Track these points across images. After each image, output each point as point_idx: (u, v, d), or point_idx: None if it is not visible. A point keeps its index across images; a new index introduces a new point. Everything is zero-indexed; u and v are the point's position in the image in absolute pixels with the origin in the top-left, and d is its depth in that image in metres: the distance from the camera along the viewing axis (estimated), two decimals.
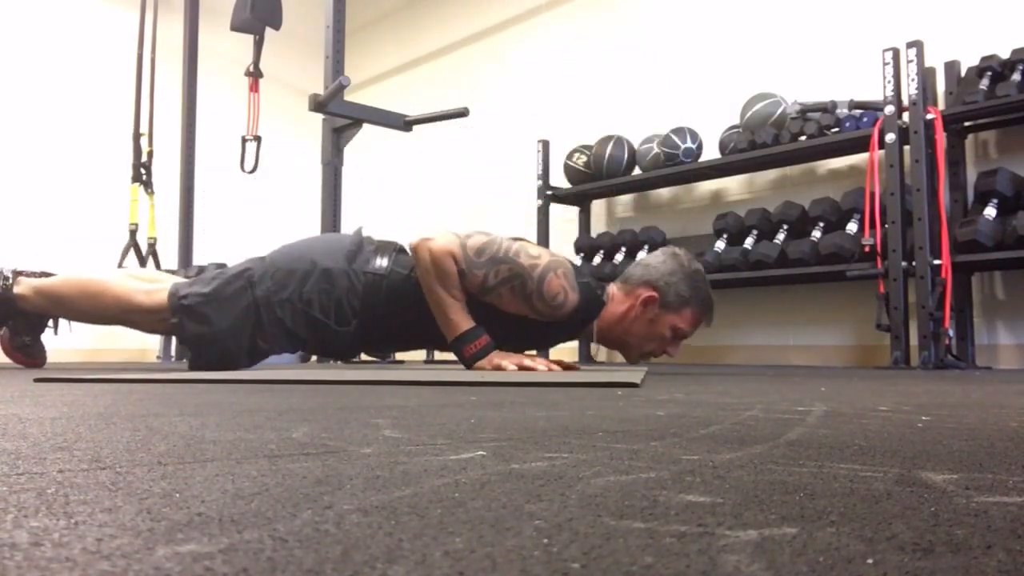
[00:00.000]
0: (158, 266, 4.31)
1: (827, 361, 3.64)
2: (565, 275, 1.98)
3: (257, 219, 5.64)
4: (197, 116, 4.81)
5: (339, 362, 2.44)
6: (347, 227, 3.68)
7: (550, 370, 1.94)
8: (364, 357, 4.39)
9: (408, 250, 2.13)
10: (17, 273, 2.30)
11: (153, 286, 2.16)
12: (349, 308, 2.09)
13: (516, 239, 2.06)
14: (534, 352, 2.26)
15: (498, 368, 1.91)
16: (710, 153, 3.86)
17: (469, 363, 1.97)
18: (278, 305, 2.08)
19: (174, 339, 4.70)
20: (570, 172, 4.33)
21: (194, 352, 2.16)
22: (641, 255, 3.97)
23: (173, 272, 3.60)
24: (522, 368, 1.92)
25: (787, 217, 3.50)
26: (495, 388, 1.33)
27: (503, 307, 2.01)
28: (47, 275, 2.34)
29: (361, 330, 2.11)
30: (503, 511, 0.34)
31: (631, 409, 0.90)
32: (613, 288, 2.15)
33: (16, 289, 2.24)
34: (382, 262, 2.12)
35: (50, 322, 2.42)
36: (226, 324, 2.07)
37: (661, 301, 2.05)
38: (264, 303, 2.08)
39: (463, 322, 1.98)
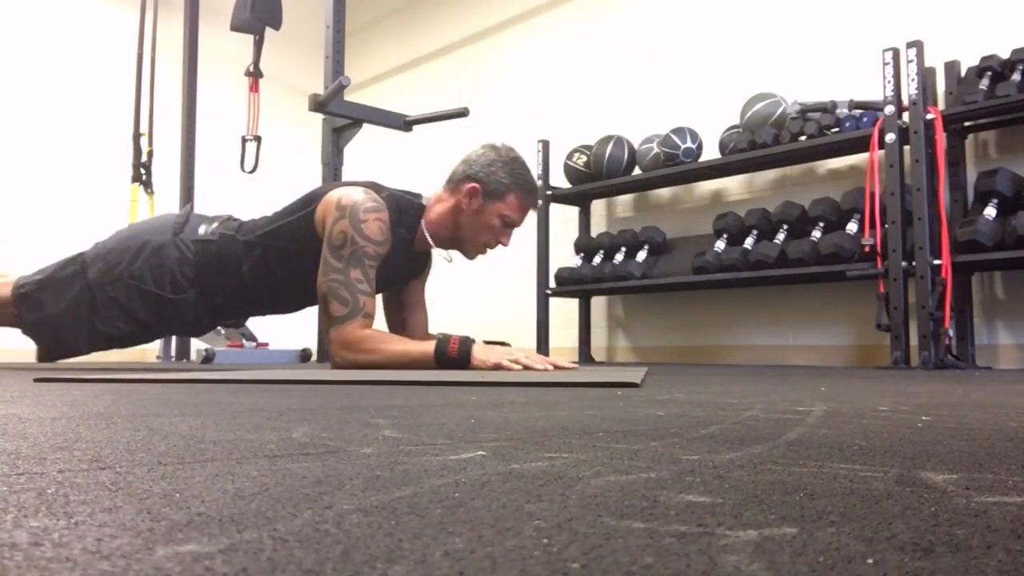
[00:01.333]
0: None
1: (827, 361, 3.64)
2: (368, 210, 2.00)
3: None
4: (197, 116, 4.81)
5: (194, 338, 2.46)
6: None
7: (549, 369, 1.94)
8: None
9: (234, 219, 2.19)
10: None
11: (3, 279, 2.18)
12: (183, 278, 2.11)
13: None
14: (532, 350, 2.26)
15: (498, 367, 1.91)
16: (710, 153, 3.86)
17: (463, 362, 1.96)
18: (110, 284, 2.09)
19: (174, 339, 4.71)
20: (570, 172, 4.33)
21: (35, 341, 2.18)
22: (641, 255, 3.97)
23: None
24: (520, 365, 1.91)
25: (787, 217, 3.50)
26: (495, 388, 1.33)
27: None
28: None
29: (202, 299, 2.13)
30: (503, 511, 0.34)
31: (631, 409, 0.90)
32: (438, 192, 2.20)
33: None
34: (209, 228, 2.15)
35: None
36: (60, 308, 2.09)
37: (484, 191, 2.11)
38: (96, 284, 2.10)
39: (422, 347, 1.96)
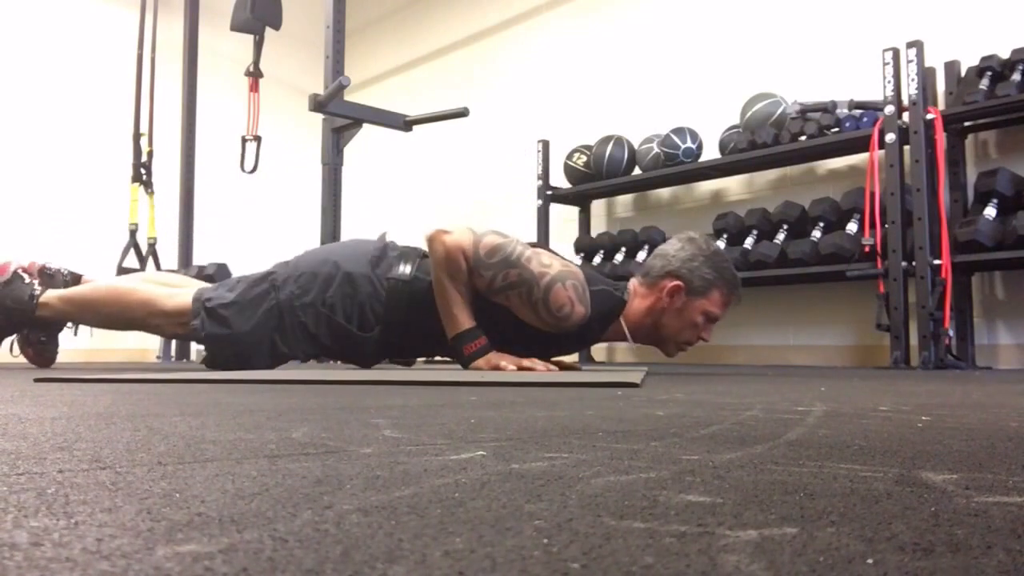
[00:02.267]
0: (158, 266, 4.31)
1: (827, 361, 3.64)
2: (574, 287, 1.95)
3: (257, 219, 5.64)
4: (197, 116, 4.81)
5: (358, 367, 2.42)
6: (347, 227, 3.69)
7: (549, 370, 1.94)
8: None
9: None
10: (44, 272, 2.31)
11: (176, 290, 2.18)
12: (372, 314, 2.08)
13: (533, 245, 2.04)
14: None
15: (496, 368, 1.91)
16: (710, 153, 3.86)
17: (466, 362, 1.97)
18: (301, 309, 2.08)
19: (174, 339, 4.70)
20: (570, 172, 4.33)
21: (210, 351, 2.16)
22: (642, 255, 3.97)
23: (174, 271, 3.60)
24: (520, 368, 1.92)
25: (787, 217, 3.50)
26: (495, 388, 1.33)
27: (513, 311, 2.01)
28: (70, 275, 2.37)
29: (384, 336, 2.10)
30: (503, 511, 0.34)
31: (631, 409, 0.90)
32: (634, 284, 2.12)
33: (41, 299, 2.25)
34: (405, 268, 2.10)
35: (69, 324, 2.43)
36: (247, 327, 2.07)
37: (687, 288, 2.03)
38: (287, 306, 2.08)
39: (465, 320, 1.98)
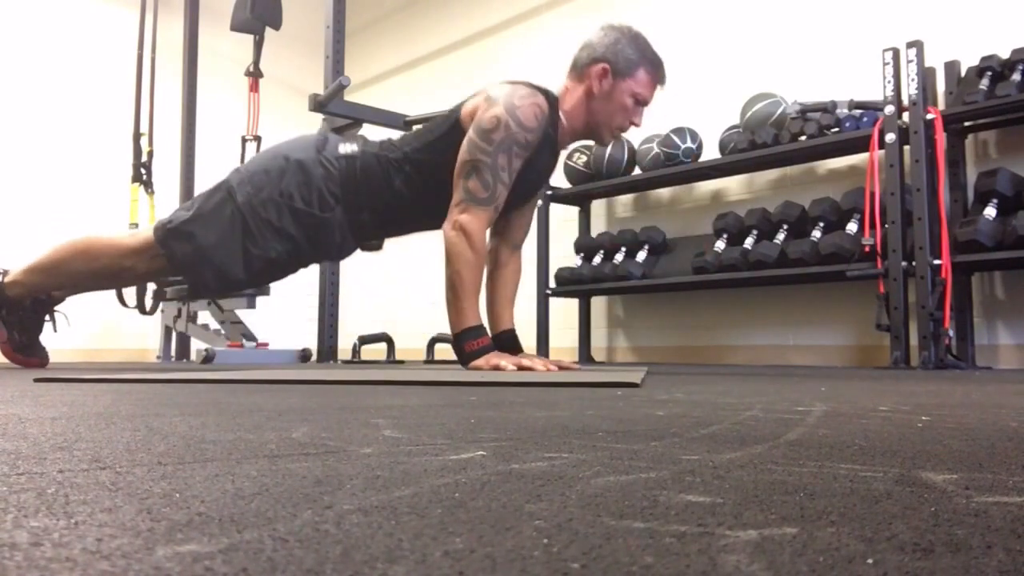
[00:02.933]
0: None
1: (827, 361, 3.64)
2: (522, 96, 2.01)
3: None
4: (197, 116, 4.81)
5: (339, 257, 2.40)
6: None
7: (549, 370, 1.94)
8: (362, 352, 4.39)
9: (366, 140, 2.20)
10: (4, 273, 2.32)
11: (136, 230, 2.20)
12: (329, 194, 2.11)
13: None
14: (532, 353, 2.26)
15: (496, 368, 1.91)
16: (710, 153, 3.86)
17: (466, 360, 1.97)
18: (260, 206, 2.09)
19: (174, 339, 4.71)
20: (570, 172, 4.33)
21: (190, 279, 2.16)
22: (641, 255, 3.97)
23: None
24: (520, 368, 1.92)
25: (787, 217, 3.50)
26: (495, 388, 1.33)
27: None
28: None
29: (348, 216, 2.13)
30: (503, 511, 0.34)
31: (631, 409, 0.90)
32: (565, 83, 2.19)
33: (7, 278, 2.26)
34: (351, 146, 2.15)
35: (47, 317, 2.42)
36: (213, 238, 2.08)
37: (613, 70, 2.10)
38: (247, 208, 2.09)
39: (472, 317, 1.98)
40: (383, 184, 2.10)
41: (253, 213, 2.09)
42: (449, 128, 2.08)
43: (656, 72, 2.15)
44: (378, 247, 2.46)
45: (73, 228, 4.85)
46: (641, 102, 2.14)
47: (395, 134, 2.47)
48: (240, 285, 2.15)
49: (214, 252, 2.07)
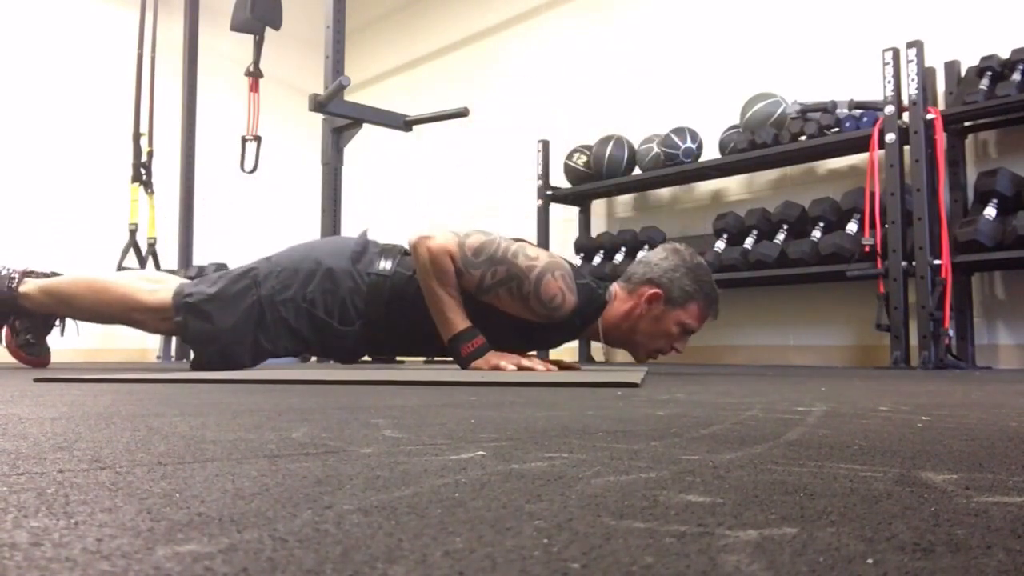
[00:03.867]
0: (158, 266, 4.31)
1: (827, 361, 3.64)
2: (563, 277, 1.97)
3: (257, 219, 5.64)
4: (197, 116, 4.81)
5: (340, 364, 2.42)
6: (347, 227, 3.69)
7: (549, 370, 1.94)
8: (365, 357, 4.40)
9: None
10: (27, 273, 2.31)
11: (158, 285, 2.17)
12: (353, 309, 2.08)
13: (516, 240, 2.06)
14: (533, 352, 2.25)
15: (496, 368, 1.91)
16: (710, 153, 3.86)
17: (465, 363, 1.97)
18: (282, 304, 2.08)
19: (174, 339, 4.70)
20: (570, 172, 4.33)
21: (196, 351, 2.16)
22: (641, 255, 3.96)
23: (174, 272, 3.60)
24: (520, 368, 1.92)
25: (787, 217, 3.50)
26: (495, 388, 1.33)
27: (502, 308, 2.01)
28: (56, 275, 2.36)
29: (365, 331, 2.11)
30: (503, 511, 0.34)
31: (631, 409, 0.90)
32: (616, 287, 2.13)
33: (21, 288, 2.25)
34: (386, 264, 2.12)
35: (57, 322, 2.43)
36: (229, 323, 2.07)
37: (665, 297, 2.04)
38: (268, 302, 2.08)
39: (459, 322, 1.98)
40: (410, 307, 2.06)
41: (273, 308, 2.08)
42: None
43: (710, 308, 2.08)
44: (390, 361, 2.46)
45: (73, 228, 4.89)
46: (688, 332, 2.09)
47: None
48: (241, 368, 2.14)
49: (226, 336, 2.07)
